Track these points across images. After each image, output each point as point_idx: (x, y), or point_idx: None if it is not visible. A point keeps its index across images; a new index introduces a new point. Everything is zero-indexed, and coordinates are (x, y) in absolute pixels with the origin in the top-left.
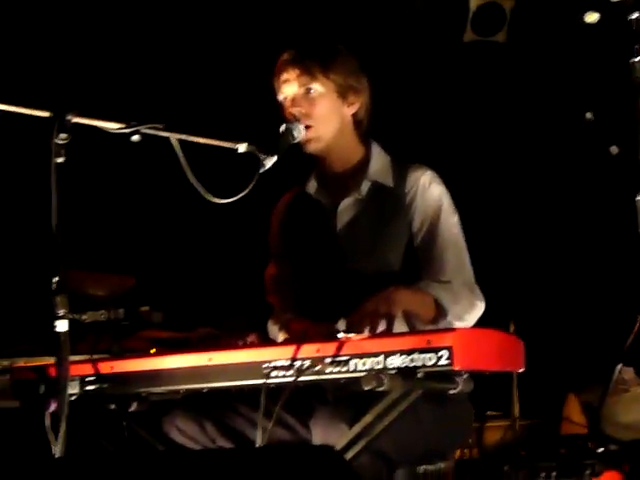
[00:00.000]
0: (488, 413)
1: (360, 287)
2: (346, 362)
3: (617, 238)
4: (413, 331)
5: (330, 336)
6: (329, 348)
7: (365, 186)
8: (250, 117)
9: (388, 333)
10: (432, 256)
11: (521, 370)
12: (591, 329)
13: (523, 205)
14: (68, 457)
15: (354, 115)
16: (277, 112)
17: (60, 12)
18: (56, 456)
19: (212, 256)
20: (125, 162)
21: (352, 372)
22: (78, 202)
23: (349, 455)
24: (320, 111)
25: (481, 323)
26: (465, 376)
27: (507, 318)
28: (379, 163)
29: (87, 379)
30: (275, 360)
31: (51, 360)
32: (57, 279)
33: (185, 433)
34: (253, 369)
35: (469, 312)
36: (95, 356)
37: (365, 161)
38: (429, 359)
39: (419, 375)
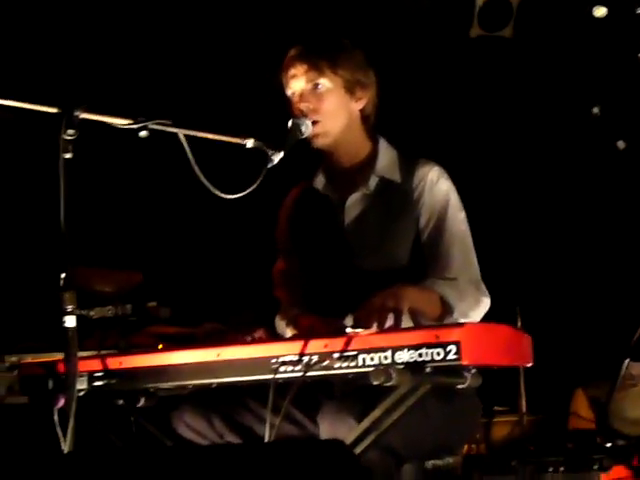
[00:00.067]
0: (495, 408)
1: (367, 282)
2: (354, 357)
3: (624, 232)
4: (421, 326)
5: (338, 331)
6: (337, 343)
7: (373, 181)
8: (258, 113)
9: (396, 328)
10: (439, 252)
11: (529, 365)
12: (598, 324)
13: (530, 199)
14: (76, 452)
15: (362, 110)
16: (284, 108)
17: (68, 9)
18: (64, 451)
19: (220, 252)
20: (133, 158)
21: (360, 367)
22: (85, 198)
23: (358, 450)
24: (328, 106)
25: (488, 318)
26: (473, 371)
27: (514, 313)
28: (387, 158)
29: (95, 375)
30: (283, 355)
31: (58, 356)
32: (65, 275)
33: (193, 428)
34: (261, 364)
35: (474, 309)
36: (103, 352)
37: (373, 156)
38: (437, 354)
39: (427, 370)
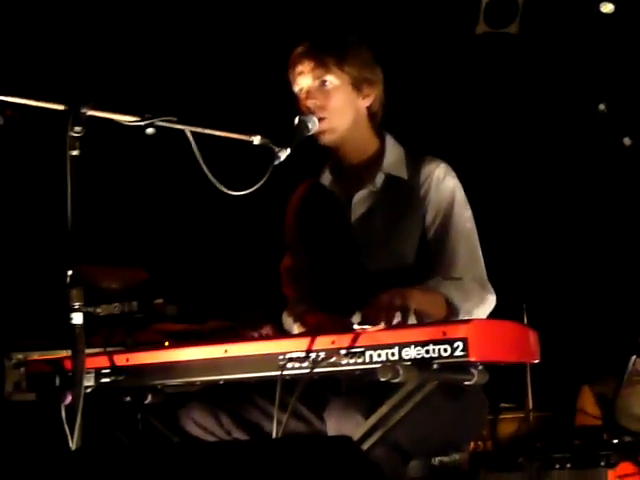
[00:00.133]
0: (502, 405)
1: (374, 279)
2: (361, 353)
3: (631, 229)
4: (428, 322)
5: (345, 328)
6: (344, 340)
7: (379, 178)
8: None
9: (403, 325)
10: (444, 250)
11: (536, 361)
12: (605, 321)
13: (536, 196)
14: (84, 449)
15: (369, 107)
16: (291, 105)
17: (74, 6)
18: (72, 448)
19: (226, 249)
20: (140, 155)
21: (367, 363)
22: (92, 195)
23: (365, 447)
24: (335, 103)
25: (494, 315)
26: (480, 367)
27: (520, 310)
28: (393, 155)
29: (102, 371)
30: (291, 352)
31: (65, 353)
32: (71, 272)
33: (201, 425)
34: (269, 361)
35: (479, 307)
36: (109, 349)
37: (379, 153)
38: (444, 350)
39: (434, 366)
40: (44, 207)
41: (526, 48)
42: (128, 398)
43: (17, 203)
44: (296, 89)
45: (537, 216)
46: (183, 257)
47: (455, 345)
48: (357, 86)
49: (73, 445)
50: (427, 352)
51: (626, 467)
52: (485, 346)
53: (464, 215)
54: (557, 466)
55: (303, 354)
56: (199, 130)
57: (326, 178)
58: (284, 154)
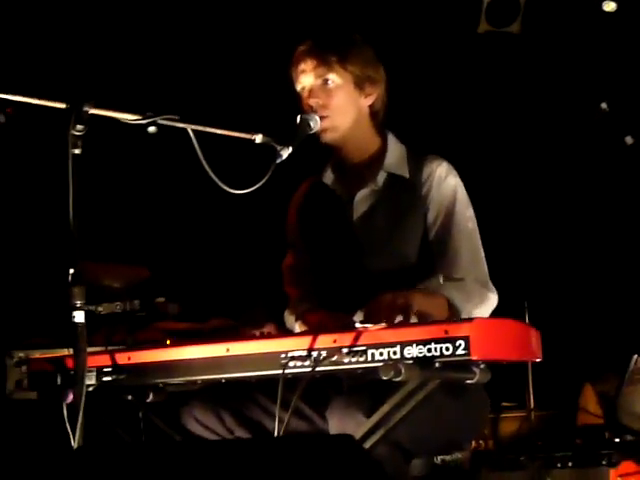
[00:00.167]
0: (503, 404)
1: (376, 278)
2: (363, 352)
3: (633, 227)
4: (430, 321)
5: (347, 327)
6: (346, 338)
7: (381, 177)
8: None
9: (405, 323)
10: (446, 249)
11: (538, 360)
12: (607, 319)
13: (537, 195)
14: (85, 448)
15: (371, 106)
16: (294, 103)
17: (76, 5)
18: (73, 447)
19: (228, 247)
20: (141, 153)
21: (369, 362)
22: (94, 194)
23: (367, 445)
24: (337, 102)
25: (496, 313)
26: (482, 366)
27: (522, 308)
28: (395, 154)
29: (104, 370)
30: (292, 350)
31: (67, 351)
32: (73, 271)
33: (203, 424)
34: (271, 359)
35: (480, 307)
36: (110, 348)
37: (381, 152)
38: (446, 349)
39: (436, 365)
40: (46, 205)
41: (528, 47)
42: (130, 397)
43: (19, 202)
44: (298, 87)
45: (539, 214)
46: (185, 256)
47: (457, 344)
48: (359, 85)
49: (75, 444)
50: (429, 351)
51: (628, 466)
52: (487, 345)
53: (466, 214)
54: (559, 465)
55: (305, 353)
56: (201, 129)
57: (328, 177)
58: (286, 153)
